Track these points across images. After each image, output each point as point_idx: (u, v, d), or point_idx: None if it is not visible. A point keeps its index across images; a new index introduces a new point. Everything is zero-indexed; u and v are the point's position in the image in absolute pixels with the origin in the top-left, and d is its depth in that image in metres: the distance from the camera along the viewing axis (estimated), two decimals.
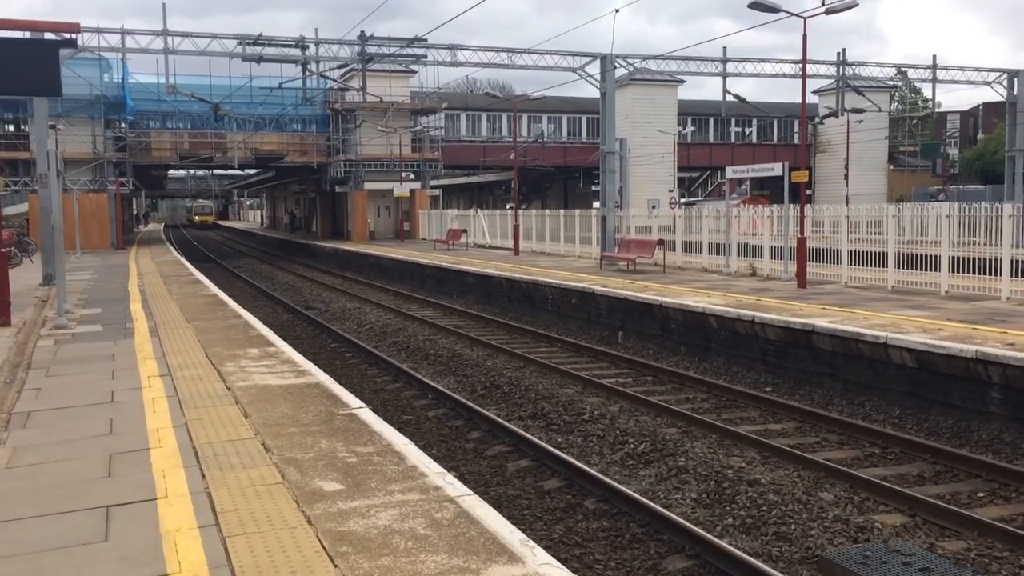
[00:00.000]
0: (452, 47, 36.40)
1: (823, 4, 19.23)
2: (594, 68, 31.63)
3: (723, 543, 7.02)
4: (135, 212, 73.20)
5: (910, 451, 9.82)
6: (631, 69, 36.81)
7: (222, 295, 18.90)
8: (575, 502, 8.39)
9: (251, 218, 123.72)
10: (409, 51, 37.70)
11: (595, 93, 31.48)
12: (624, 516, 7.92)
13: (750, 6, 18.92)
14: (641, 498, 8.06)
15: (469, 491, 5.74)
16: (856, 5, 18.65)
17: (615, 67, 30.87)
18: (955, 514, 7.77)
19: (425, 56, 37.51)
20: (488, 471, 9.52)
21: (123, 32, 34.30)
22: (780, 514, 7.84)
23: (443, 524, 5.09)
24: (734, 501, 8.23)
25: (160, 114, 44.59)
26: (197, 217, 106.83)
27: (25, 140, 38.78)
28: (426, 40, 35.26)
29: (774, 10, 19.07)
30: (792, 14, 19.15)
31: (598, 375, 14.26)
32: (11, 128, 42.14)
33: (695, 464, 9.31)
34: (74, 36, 13.34)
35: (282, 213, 75.79)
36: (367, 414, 7.82)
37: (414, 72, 47.00)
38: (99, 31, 33.60)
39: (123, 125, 42.58)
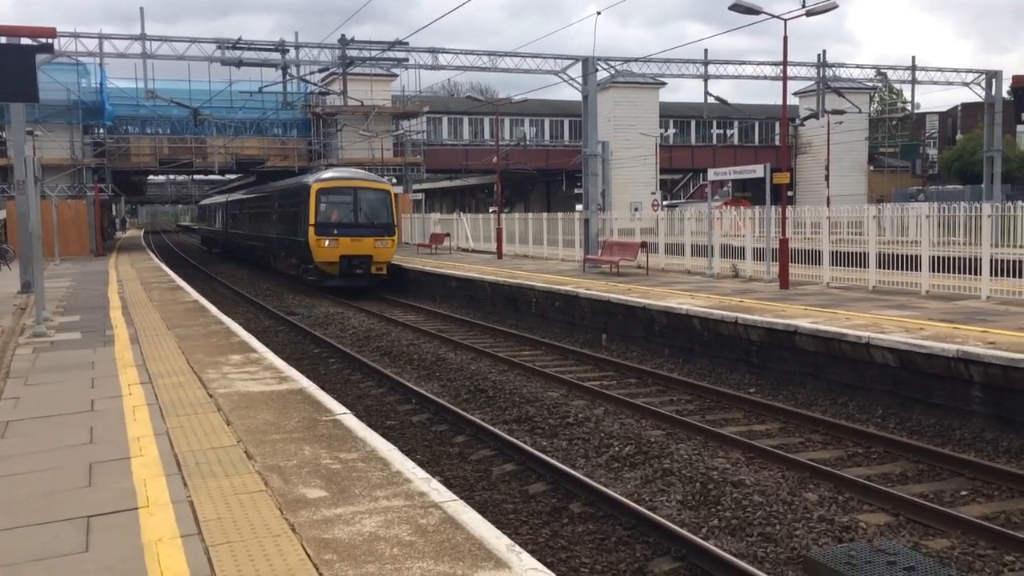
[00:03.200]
0: (433, 50, 36.34)
1: (804, 6, 19.35)
2: (576, 71, 31.58)
3: (709, 545, 7.03)
4: (114, 218, 72.64)
5: (893, 450, 9.87)
6: (612, 72, 36.89)
7: (203, 301, 18.76)
8: (561, 506, 8.37)
9: None
10: (390, 54, 37.58)
11: (577, 96, 31.43)
12: (610, 519, 7.91)
13: (731, 8, 19.02)
14: (627, 501, 8.06)
15: (454, 496, 5.71)
16: (836, 7, 18.79)
17: (597, 70, 30.87)
18: (938, 513, 7.80)
19: (406, 59, 37.41)
20: (473, 476, 9.49)
21: (100, 37, 34.02)
22: (765, 515, 7.85)
23: (428, 530, 5.06)
24: (719, 503, 8.24)
25: (139, 119, 44.35)
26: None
27: (2, 146, 38.41)
28: (407, 43, 35.19)
29: (755, 12, 19.17)
30: (773, 16, 19.26)
31: (582, 378, 14.25)
32: None
33: (680, 466, 9.32)
34: (51, 41, 13.26)
35: None
36: (351, 420, 7.77)
37: (395, 76, 46.98)
38: (76, 36, 33.32)
39: (102, 131, 42.32)
